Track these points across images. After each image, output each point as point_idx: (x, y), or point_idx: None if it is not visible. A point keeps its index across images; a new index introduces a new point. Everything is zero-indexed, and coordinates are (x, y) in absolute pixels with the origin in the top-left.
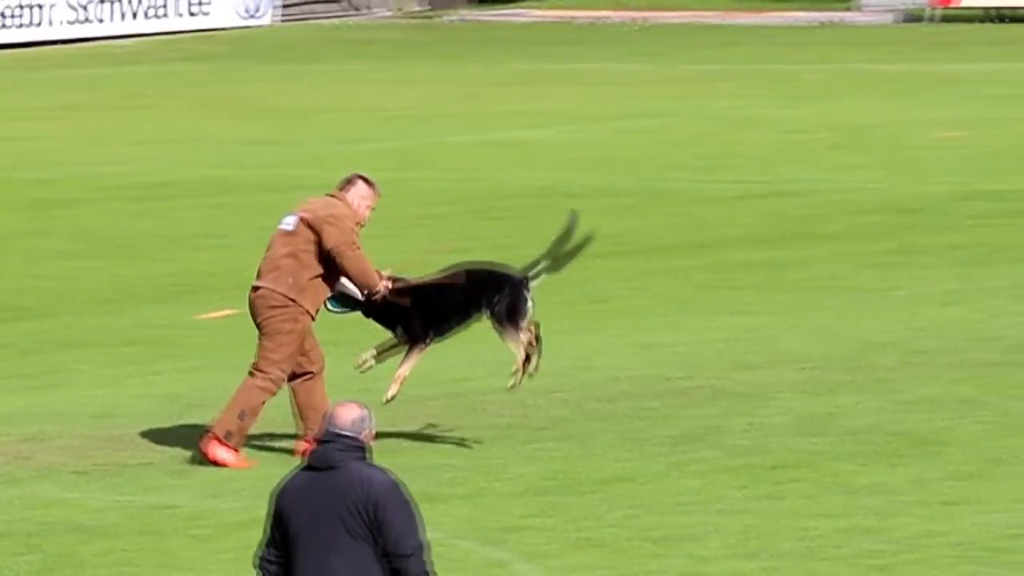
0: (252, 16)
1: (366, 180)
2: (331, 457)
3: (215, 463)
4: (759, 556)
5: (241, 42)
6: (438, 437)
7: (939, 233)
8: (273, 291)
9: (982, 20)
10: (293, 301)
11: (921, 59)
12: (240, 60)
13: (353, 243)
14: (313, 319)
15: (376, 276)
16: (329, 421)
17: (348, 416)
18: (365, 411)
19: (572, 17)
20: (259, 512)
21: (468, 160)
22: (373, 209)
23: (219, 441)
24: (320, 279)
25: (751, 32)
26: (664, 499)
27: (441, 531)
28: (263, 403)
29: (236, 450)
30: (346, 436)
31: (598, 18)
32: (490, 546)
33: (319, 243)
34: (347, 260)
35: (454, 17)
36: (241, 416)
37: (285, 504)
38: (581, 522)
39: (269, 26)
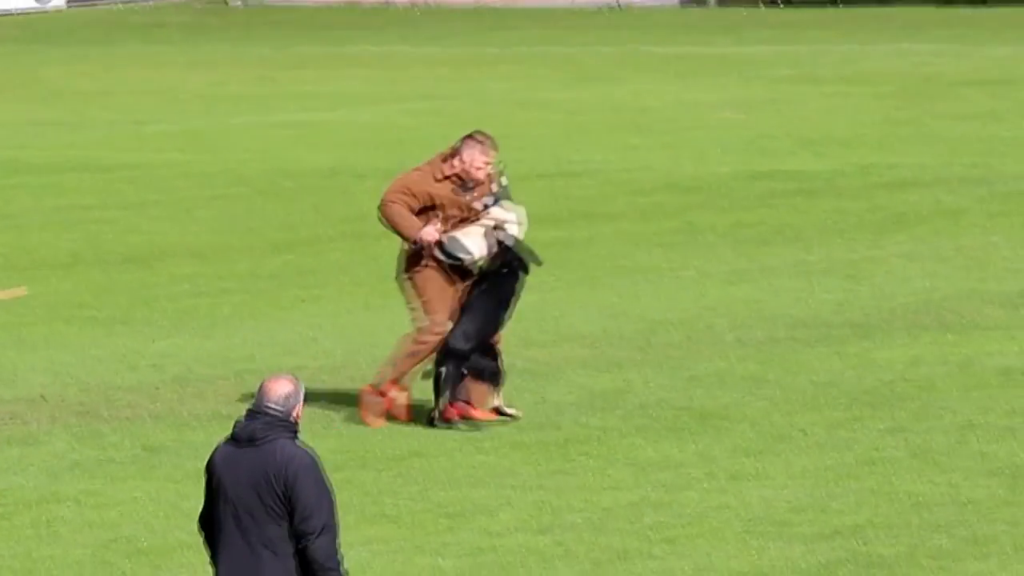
0: (43, 0)
1: (476, 138)
2: (254, 432)
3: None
4: (550, 530)
5: (32, 25)
6: (229, 415)
7: (722, 213)
8: (397, 271)
9: (762, 4)
10: (404, 273)
11: (702, 42)
12: (31, 43)
13: (391, 202)
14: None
15: (412, 228)
16: (259, 394)
17: (278, 391)
18: (295, 386)
19: (358, 1)
20: (57, 487)
21: (256, 141)
22: (489, 165)
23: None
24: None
25: (534, 15)
26: (457, 474)
27: None
28: (422, 356)
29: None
30: (273, 412)
31: (384, 1)
32: None
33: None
34: (384, 215)
35: (242, 1)
36: (396, 362)
37: (212, 473)
38: (375, 497)
39: (60, 9)
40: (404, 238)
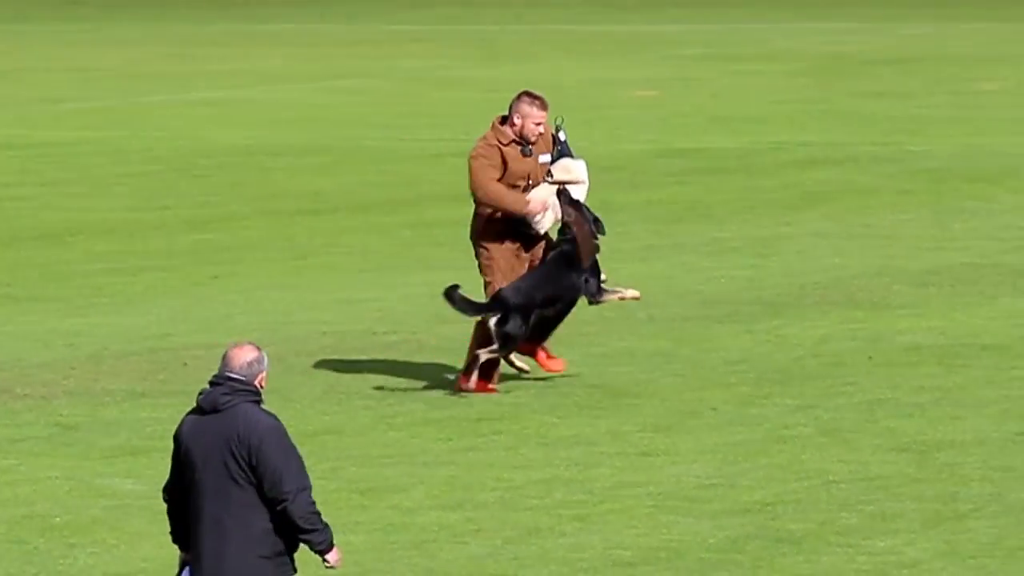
0: None
1: (527, 98)
2: (217, 400)
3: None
4: (462, 507)
5: None
6: (143, 392)
7: (636, 190)
8: (470, 232)
9: None
10: (479, 240)
11: (616, 20)
12: None
13: (485, 187)
14: (521, 247)
15: (519, 203)
16: (222, 362)
17: (240, 358)
18: (259, 354)
19: None
20: None
21: (172, 119)
22: (540, 123)
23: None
24: (494, 212)
25: None
26: (370, 451)
27: (145, 483)
28: None
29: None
30: (235, 379)
31: None
32: None
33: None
34: (483, 199)
35: None
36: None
37: (180, 444)
38: None
39: None
40: (516, 215)
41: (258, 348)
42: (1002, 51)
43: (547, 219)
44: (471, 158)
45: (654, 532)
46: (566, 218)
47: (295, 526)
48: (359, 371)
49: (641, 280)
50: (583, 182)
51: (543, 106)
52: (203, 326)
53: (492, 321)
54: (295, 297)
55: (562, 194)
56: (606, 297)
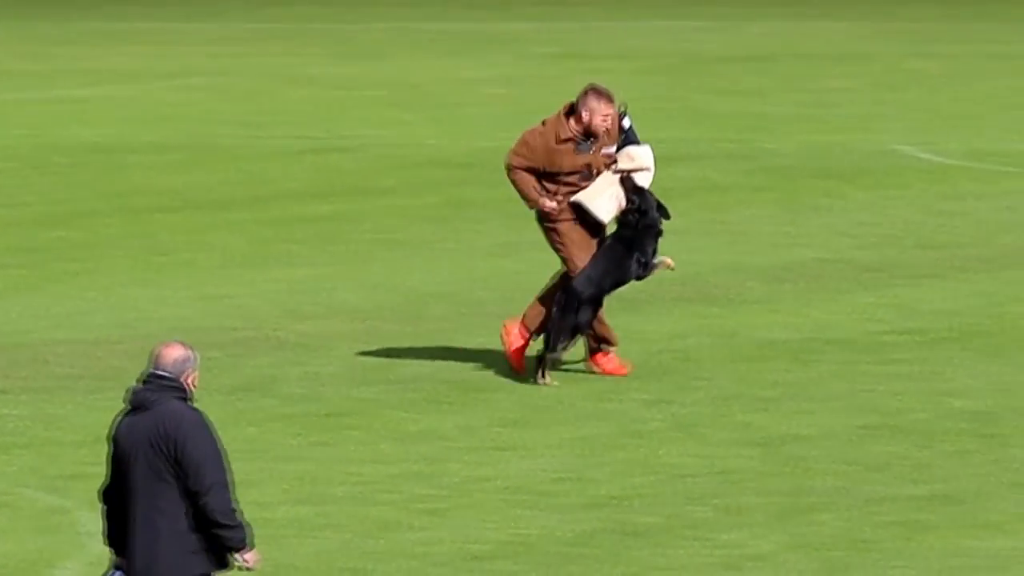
0: None
1: (595, 92)
2: (144, 398)
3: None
4: (314, 501)
5: None
6: (4, 389)
7: (490, 187)
8: (537, 216)
9: None
10: (545, 222)
11: (470, 18)
12: None
13: (510, 166)
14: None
15: (531, 196)
16: (151, 360)
17: (169, 356)
18: (188, 352)
19: None
20: None
21: (28, 116)
22: (607, 118)
23: (598, 357)
24: (562, 194)
25: None
26: (224, 446)
27: (3, 480)
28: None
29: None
30: (162, 376)
31: None
32: (53, 494)
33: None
34: (509, 178)
35: None
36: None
37: (115, 443)
38: None
39: None
40: (526, 204)
41: (187, 346)
42: (852, 49)
43: (611, 208)
44: (523, 135)
45: (506, 526)
46: (630, 205)
47: (211, 520)
48: (215, 367)
49: (496, 276)
50: (648, 168)
51: (610, 100)
52: (62, 323)
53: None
54: (153, 294)
55: (626, 181)
56: (648, 272)
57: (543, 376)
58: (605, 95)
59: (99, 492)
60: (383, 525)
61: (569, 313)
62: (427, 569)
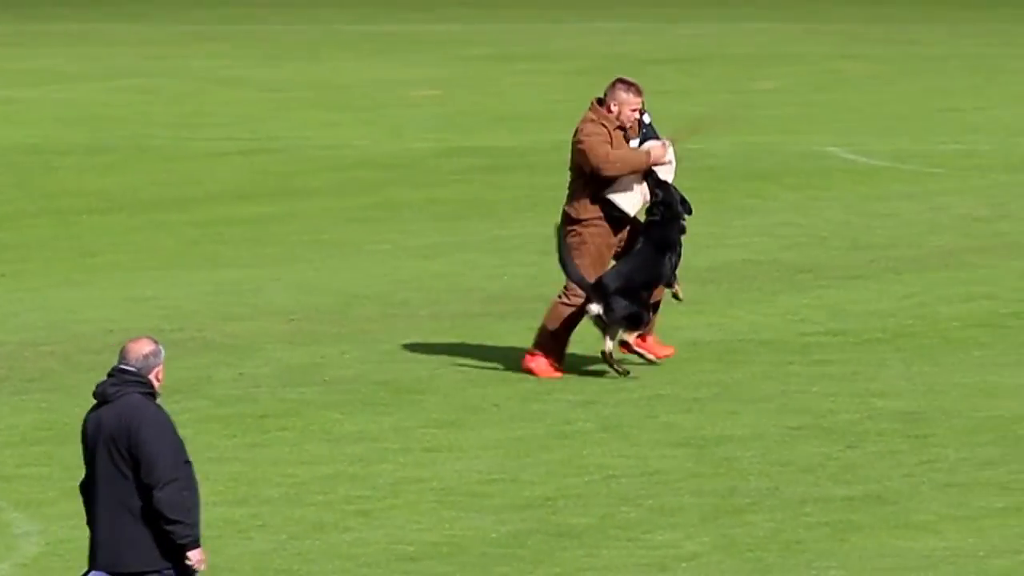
0: None
1: (624, 84)
2: (107, 392)
3: (529, 371)
4: (247, 502)
5: None
6: None
7: (419, 188)
8: (566, 212)
9: None
10: (575, 220)
11: (399, 19)
12: None
13: (606, 158)
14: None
15: (642, 155)
16: (119, 355)
17: (136, 351)
18: (155, 347)
19: None
20: None
21: None
22: (636, 109)
23: (533, 354)
24: (588, 194)
25: None
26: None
27: None
28: (567, 315)
29: (549, 361)
30: (127, 371)
31: None
32: None
33: (579, 164)
34: (609, 171)
35: None
36: (553, 334)
37: (83, 436)
38: (75, 471)
39: None
40: (644, 168)
41: (155, 342)
42: (779, 51)
43: (636, 202)
44: (582, 139)
45: (437, 527)
46: (654, 199)
47: (161, 515)
48: None
49: (424, 277)
50: (671, 162)
51: (639, 92)
52: None
53: (596, 311)
54: (82, 295)
55: (649, 175)
56: (675, 280)
57: (614, 367)
58: (634, 87)
59: (79, 486)
60: (315, 526)
61: (620, 300)
62: (358, 570)
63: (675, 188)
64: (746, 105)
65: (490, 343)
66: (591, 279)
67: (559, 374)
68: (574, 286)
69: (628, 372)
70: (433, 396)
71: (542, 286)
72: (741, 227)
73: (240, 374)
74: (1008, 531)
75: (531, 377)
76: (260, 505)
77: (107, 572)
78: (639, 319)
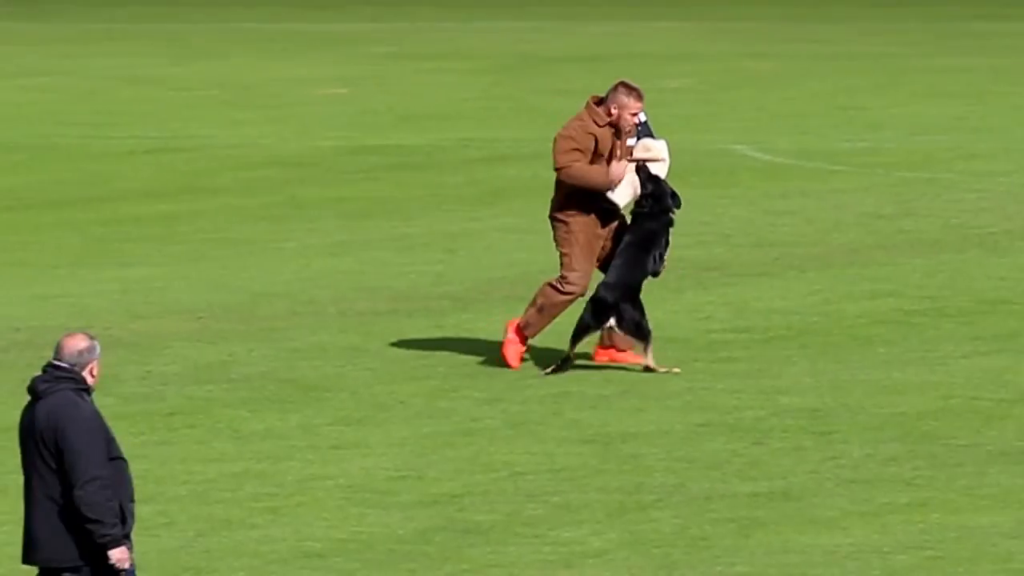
0: None
1: (627, 87)
2: (37, 387)
3: (503, 354)
4: (154, 500)
5: None
6: None
7: (326, 186)
8: (552, 203)
9: None
10: (557, 214)
11: (305, 18)
12: None
13: (567, 168)
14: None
15: (601, 174)
16: (54, 351)
17: (70, 347)
18: (90, 343)
19: None
20: None
21: None
22: (637, 114)
23: (511, 342)
24: (576, 190)
25: None
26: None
27: None
28: (560, 303)
29: (523, 344)
30: (58, 367)
31: None
32: None
33: None
34: (567, 178)
35: None
36: (540, 309)
37: (19, 432)
38: None
39: None
40: (600, 189)
41: (90, 337)
42: (685, 50)
43: (626, 194)
44: (559, 137)
45: (344, 524)
46: (644, 192)
47: (80, 514)
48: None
49: (331, 275)
50: (664, 160)
51: (639, 97)
52: None
53: (609, 324)
54: None
55: (641, 170)
56: (662, 266)
57: (556, 369)
58: (636, 91)
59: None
60: (222, 523)
61: (602, 318)
62: (265, 567)
63: (666, 183)
64: (652, 104)
65: (397, 340)
66: (581, 272)
67: (516, 366)
68: (570, 276)
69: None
70: (340, 393)
71: (448, 284)
72: None
73: (147, 372)
74: (912, 527)
75: (437, 374)
76: (167, 503)
77: (38, 566)
78: (642, 329)
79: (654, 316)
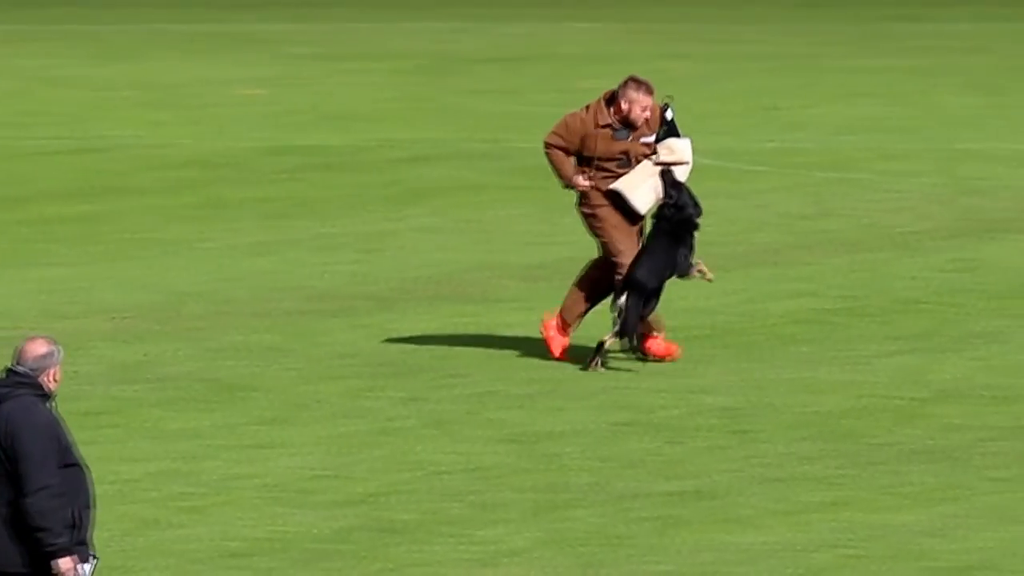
0: None
1: (636, 83)
2: None
3: (546, 340)
4: None
5: None
6: None
7: (247, 187)
8: (577, 202)
9: None
10: (582, 207)
11: (224, 19)
12: None
13: (550, 147)
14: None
15: (567, 171)
16: (14, 355)
17: (31, 352)
18: (51, 348)
19: None
20: None
21: None
22: (647, 108)
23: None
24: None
25: None
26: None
27: None
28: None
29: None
30: (17, 372)
31: None
32: None
33: (578, 151)
34: (546, 153)
35: None
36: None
37: None
38: None
39: None
40: (560, 180)
41: (52, 342)
42: (604, 50)
43: (648, 200)
44: (564, 118)
45: (264, 523)
46: (668, 200)
47: (29, 521)
48: None
49: (251, 275)
50: (687, 163)
51: (649, 91)
52: None
53: (625, 302)
54: None
55: (666, 175)
56: (692, 271)
57: (596, 364)
58: (645, 86)
59: None
60: (143, 523)
61: (639, 303)
62: (186, 566)
63: (688, 190)
64: (572, 103)
65: (316, 340)
66: (627, 255)
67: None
68: (620, 259)
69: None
70: (260, 393)
71: (369, 284)
72: (567, 224)
73: (72, 372)
74: (828, 525)
75: (357, 374)
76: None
77: None
78: (634, 328)
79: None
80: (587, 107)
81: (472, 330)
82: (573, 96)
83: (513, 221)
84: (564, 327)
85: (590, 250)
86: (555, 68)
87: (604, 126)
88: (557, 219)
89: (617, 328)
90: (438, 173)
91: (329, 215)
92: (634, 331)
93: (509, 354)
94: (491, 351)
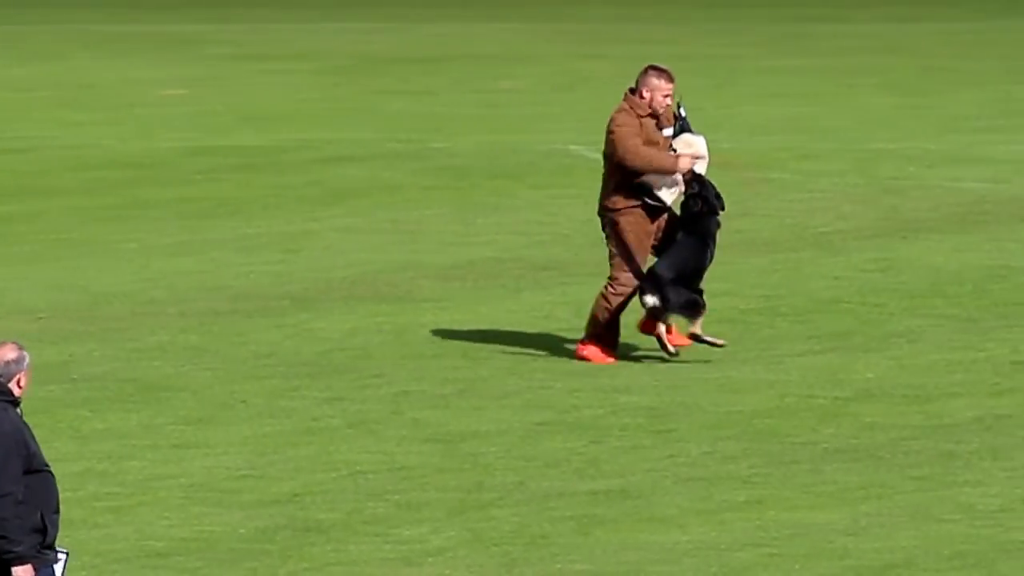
0: None
1: (656, 70)
2: None
3: (584, 359)
4: None
5: None
6: None
7: (167, 187)
8: (602, 203)
9: None
10: (606, 210)
11: (143, 20)
12: None
13: (635, 152)
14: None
15: (669, 159)
16: None
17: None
18: (19, 353)
19: None
20: None
21: None
22: (669, 95)
23: (584, 343)
24: (624, 183)
25: None
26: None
27: None
28: (616, 304)
29: (601, 348)
30: None
31: None
32: None
33: (610, 154)
34: (633, 164)
35: None
36: (606, 324)
37: None
38: None
39: None
40: (668, 173)
41: (19, 348)
42: (522, 51)
43: (673, 192)
44: (613, 129)
45: (186, 523)
46: (691, 191)
47: None
48: None
49: (172, 275)
50: (704, 157)
51: (670, 78)
52: None
53: (652, 302)
54: None
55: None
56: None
57: (706, 340)
58: (666, 73)
59: None
60: (64, 523)
61: (677, 290)
62: (107, 566)
63: (711, 183)
64: (489, 104)
65: (238, 340)
66: (634, 271)
67: (613, 359)
68: (620, 276)
69: (677, 353)
70: (182, 393)
71: (289, 284)
72: (485, 225)
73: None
74: (749, 524)
75: (278, 374)
76: None
77: None
78: (696, 305)
79: (493, 316)
80: (618, 109)
81: (389, 329)
82: (490, 96)
83: (429, 221)
84: (651, 325)
85: (508, 250)
86: (472, 68)
87: (647, 115)
88: (472, 219)
89: (685, 313)
90: (358, 173)
91: (250, 215)
92: (698, 304)
93: (426, 354)
94: (408, 351)
